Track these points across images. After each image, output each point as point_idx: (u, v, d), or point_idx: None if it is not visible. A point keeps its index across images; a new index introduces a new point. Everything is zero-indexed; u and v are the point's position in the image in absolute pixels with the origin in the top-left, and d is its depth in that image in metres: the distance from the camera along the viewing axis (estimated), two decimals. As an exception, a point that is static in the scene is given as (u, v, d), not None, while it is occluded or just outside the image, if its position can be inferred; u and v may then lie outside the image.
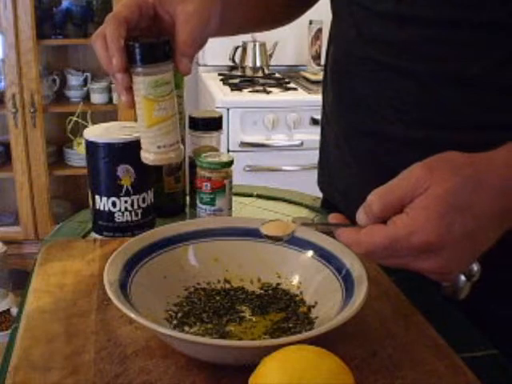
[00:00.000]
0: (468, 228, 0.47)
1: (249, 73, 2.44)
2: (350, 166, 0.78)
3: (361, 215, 0.51)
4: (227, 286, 0.66)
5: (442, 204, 0.47)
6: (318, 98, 2.17)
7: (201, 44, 0.64)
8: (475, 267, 0.53)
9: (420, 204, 0.47)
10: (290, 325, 0.59)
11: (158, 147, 0.63)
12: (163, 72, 0.61)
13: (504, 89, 0.61)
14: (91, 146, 0.76)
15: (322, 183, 0.91)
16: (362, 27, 0.71)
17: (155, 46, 0.60)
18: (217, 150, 0.87)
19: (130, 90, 0.61)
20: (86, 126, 2.30)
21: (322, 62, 2.45)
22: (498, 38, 0.60)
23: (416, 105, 0.67)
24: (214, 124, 0.87)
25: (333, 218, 0.55)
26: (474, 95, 0.62)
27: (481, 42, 0.61)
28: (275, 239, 0.59)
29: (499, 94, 0.61)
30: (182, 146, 0.65)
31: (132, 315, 0.51)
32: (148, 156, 0.64)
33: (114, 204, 0.77)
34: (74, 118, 2.34)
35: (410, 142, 0.67)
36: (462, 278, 0.54)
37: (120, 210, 0.77)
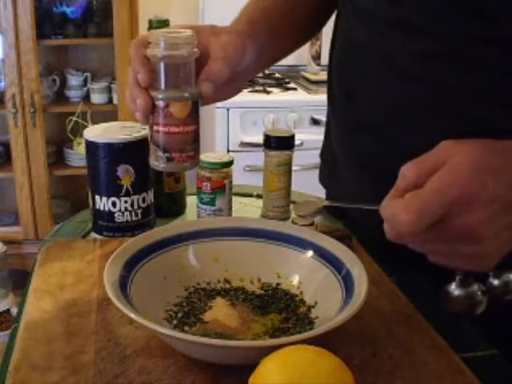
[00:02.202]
0: (503, 193, 0.47)
1: (249, 73, 2.43)
2: (352, 164, 0.78)
3: (397, 186, 0.50)
4: (227, 285, 0.66)
5: (476, 161, 0.47)
6: (317, 97, 2.19)
7: (234, 77, 0.64)
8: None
9: (454, 160, 0.48)
10: (290, 325, 0.59)
11: None
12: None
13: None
14: (91, 146, 0.76)
15: (323, 179, 0.91)
16: (364, 24, 0.71)
17: None
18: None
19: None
20: (85, 126, 2.30)
21: (322, 61, 2.46)
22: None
23: (416, 106, 0.67)
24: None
25: None
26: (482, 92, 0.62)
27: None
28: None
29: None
30: None
31: (132, 315, 0.51)
32: None
33: (113, 204, 0.77)
34: (74, 118, 2.34)
35: (409, 146, 0.67)
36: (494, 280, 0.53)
37: (120, 210, 0.77)
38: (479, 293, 0.54)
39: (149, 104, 0.60)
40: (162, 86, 0.60)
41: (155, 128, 0.61)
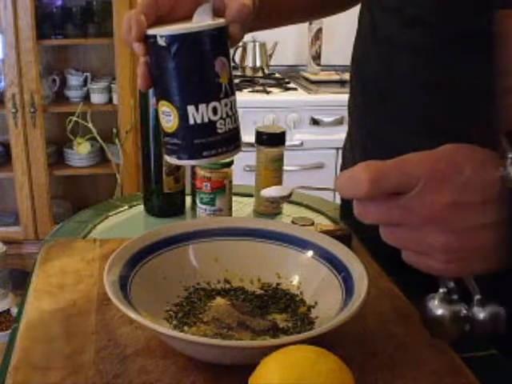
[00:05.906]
0: (478, 186, 0.43)
1: (249, 73, 2.44)
2: None
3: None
4: (227, 286, 0.66)
5: (458, 150, 0.44)
6: (317, 97, 2.20)
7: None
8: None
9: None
10: (290, 325, 0.59)
11: None
12: None
13: None
14: (178, 41, 0.55)
15: None
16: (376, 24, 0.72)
17: None
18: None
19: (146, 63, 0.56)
20: (85, 126, 2.30)
21: (322, 62, 2.46)
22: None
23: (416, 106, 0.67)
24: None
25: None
26: None
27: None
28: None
29: None
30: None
31: (132, 315, 0.51)
32: None
33: (214, 110, 0.58)
34: (74, 118, 2.34)
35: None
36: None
37: (222, 117, 0.59)
38: (462, 314, 0.47)
39: None
40: None
41: None
